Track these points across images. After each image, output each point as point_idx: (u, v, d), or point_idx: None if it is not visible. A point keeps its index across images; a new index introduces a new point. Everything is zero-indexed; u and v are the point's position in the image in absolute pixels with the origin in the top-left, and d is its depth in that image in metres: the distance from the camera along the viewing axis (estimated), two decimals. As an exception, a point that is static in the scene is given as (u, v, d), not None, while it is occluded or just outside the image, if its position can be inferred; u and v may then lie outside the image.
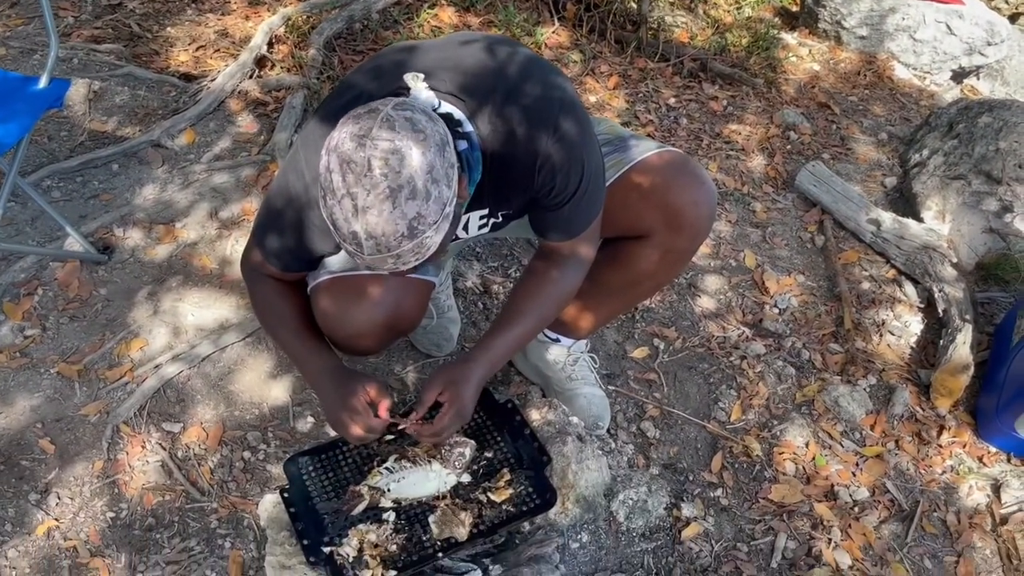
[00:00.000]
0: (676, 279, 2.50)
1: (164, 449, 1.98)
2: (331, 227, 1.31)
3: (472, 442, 1.81)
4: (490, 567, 1.77)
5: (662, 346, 2.39)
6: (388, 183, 1.23)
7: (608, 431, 2.13)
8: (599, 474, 1.90)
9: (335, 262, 1.70)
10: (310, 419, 2.07)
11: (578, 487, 1.83)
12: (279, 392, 2.12)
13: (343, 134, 1.26)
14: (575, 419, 1.95)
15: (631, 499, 1.95)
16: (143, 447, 1.98)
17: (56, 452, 1.95)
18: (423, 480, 1.76)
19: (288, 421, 2.07)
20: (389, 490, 1.75)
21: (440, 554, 1.69)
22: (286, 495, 1.76)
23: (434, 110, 1.37)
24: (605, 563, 1.89)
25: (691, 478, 2.11)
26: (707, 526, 2.01)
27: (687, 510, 2.02)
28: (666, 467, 2.12)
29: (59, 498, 1.88)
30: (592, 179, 1.54)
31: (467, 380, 1.62)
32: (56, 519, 1.85)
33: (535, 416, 1.95)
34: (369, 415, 1.62)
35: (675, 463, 2.13)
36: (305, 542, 1.68)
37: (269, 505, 1.81)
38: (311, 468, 1.81)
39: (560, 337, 2.10)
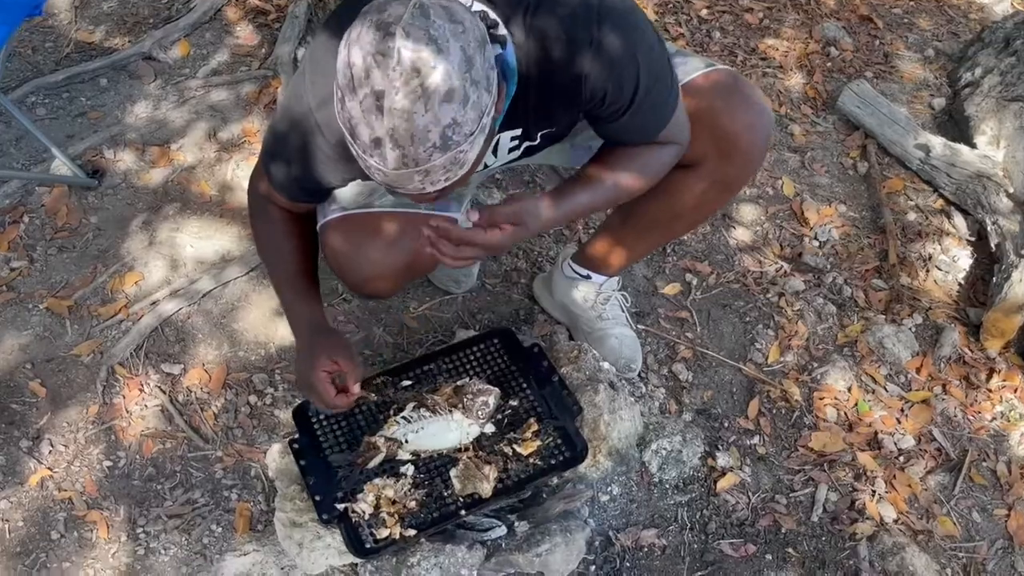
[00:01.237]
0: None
1: (164, 393, 1.85)
2: (349, 135, 1.12)
3: (496, 390, 1.67)
4: (515, 523, 1.66)
5: (695, 282, 2.23)
6: (421, 80, 1.04)
7: (639, 374, 1.99)
8: (632, 424, 1.77)
9: (346, 196, 1.53)
10: (320, 360, 1.93)
11: (610, 439, 1.70)
12: (287, 331, 1.96)
13: (367, 23, 1.07)
14: (606, 364, 1.81)
15: (664, 449, 1.82)
16: (141, 390, 1.85)
17: (47, 396, 1.82)
18: (443, 431, 1.63)
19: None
20: (407, 441, 1.62)
21: (463, 512, 1.57)
22: (295, 446, 1.63)
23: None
24: (636, 517, 1.78)
25: (726, 425, 1.98)
26: (743, 476, 1.89)
27: (722, 460, 1.90)
28: (699, 413, 1.99)
29: (52, 445, 1.76)
30: (654, 77, 1.34)
31: (536, 212, 1.36)
32: (49, 468, 1.73)
33: (563, 361, 1.80)
34: (329, 392, 1.48)
35: (709, 409, 2.00)
36: (317, 498, 1.56)
37: (277, 455, 1.69)
38: (322, 416, 1.68)
39: (591, 274, 1.94)
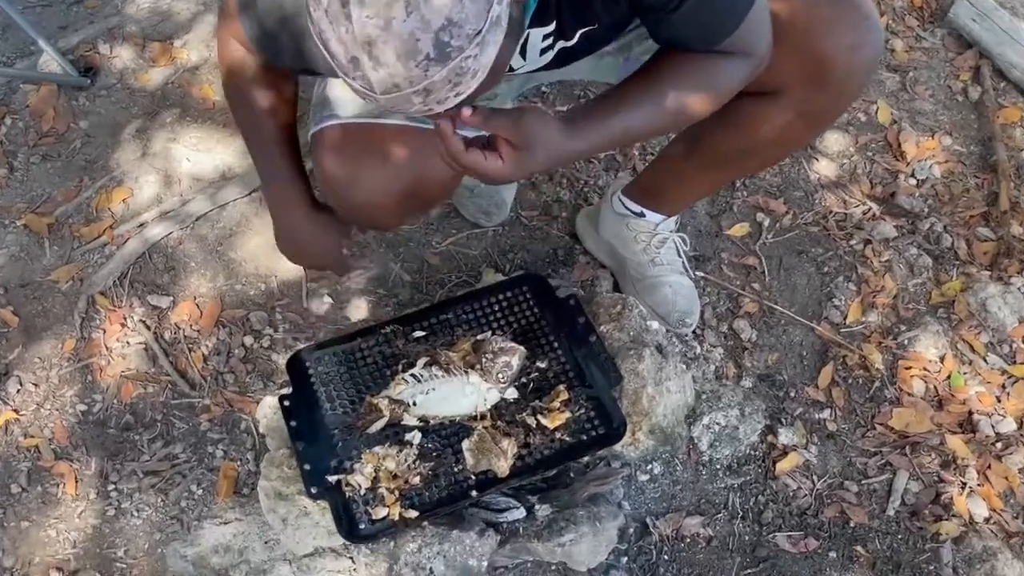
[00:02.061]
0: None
1: (148, 329, 1.64)
2: (325, 53, 0.85)
3: (521, 348, 1.42)
4: (536, 506, 1.43)
5: (766, 223, 1.92)
6: None
7: (693, 331, 1.72)
8: (681, 396, 1.51)
9: (346, 101, 1.26)
10: (328, 299, 1.70)
11: (654, 415, 1.44)
12: (292, 264, 1.73)
13: None
14: (654, 324, 1.54)
15: (717, 424, 1.56)
16: (123, 325, 1.64)
17: (20, 325, 1.63)
18: (457, 394, 1.39)
19: (301, 300, 1.70)
20: (415, 404, 1.39)
21: (474, 492, 1.34)
22: (286, 403, 1.41)
23: None
24: (680, 501, 1.54)
25: (792, 395, 1.71)
26: (808, 457, 1.63)
27: (785, 436, 1.63)
28: (762, 379, 1.72)
29: (21, 384, 1.58)
30: None
31: (548, 136, 1.04)
32: (16, 410, 1.55)
33: (603, 318, 1.54)
34: (341, 255, 1.38)
35: (773, 375, 1.73)
36: (307, 467, 1.35)
37: (270, 408, 1.48)
38: (321, 368, 1.46)
39: (645, 211, 1.66)
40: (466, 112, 0.93)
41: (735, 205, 1.95)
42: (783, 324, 1.80)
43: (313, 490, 1.33)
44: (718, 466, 1.58)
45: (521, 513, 1.42)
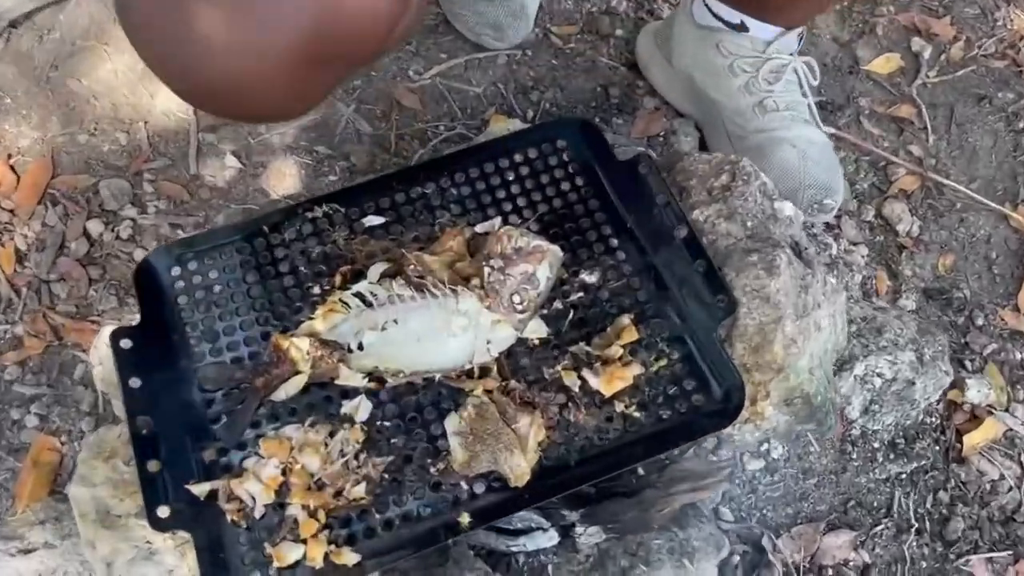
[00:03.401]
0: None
1: (-72, 206, 0.99)
2: None
3: (553, 249, 0.79)
4: (577, 527, 0.81)
5: (926, 53, 1.25)
6: None
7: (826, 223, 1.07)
8: (832, 335, 0.87)
9: None
10: (232, 161, 1.04)
11: (794, 371, 0.80)
12: (171, 98, 1.08)
13: None
14: (788, 208, 0.88)
15: (879, 375, 0.93)
16: None
17: None
18: (437, 331, 0.78)
19: (188, 161, 1.04)
20: (360, 348, 0.77)
21: (465, 517, 0.72)
22: (124, 344, 0.78)
23: None
24: (815, 505, 0.93)
25: (978, 321, 1.08)
26: (1013, 425, 1.00)
27: (974, 390, 1.01)
28: (930, 296, 1.09)
29: None
30: None
31: None
32: None
33: (697, 197, 0.89)
34: None
35: (948, 289, 1.10)
36: (151, 466, 0.72)
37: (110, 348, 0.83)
38: (195, 282, 0.82)
39: (747, 19, 0.99)
40: None
41: (879, 26, 1.26)
42: (958, 209, 1.15)
43: (161, 511, 0.71)
44: (876, 444, 0.96)
45: (550, 539, 0.81)
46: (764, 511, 0.91)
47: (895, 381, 0.93)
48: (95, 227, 1.00)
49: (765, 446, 0.91)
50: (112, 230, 1.00)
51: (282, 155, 1.05)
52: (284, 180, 1.04)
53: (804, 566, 0.88)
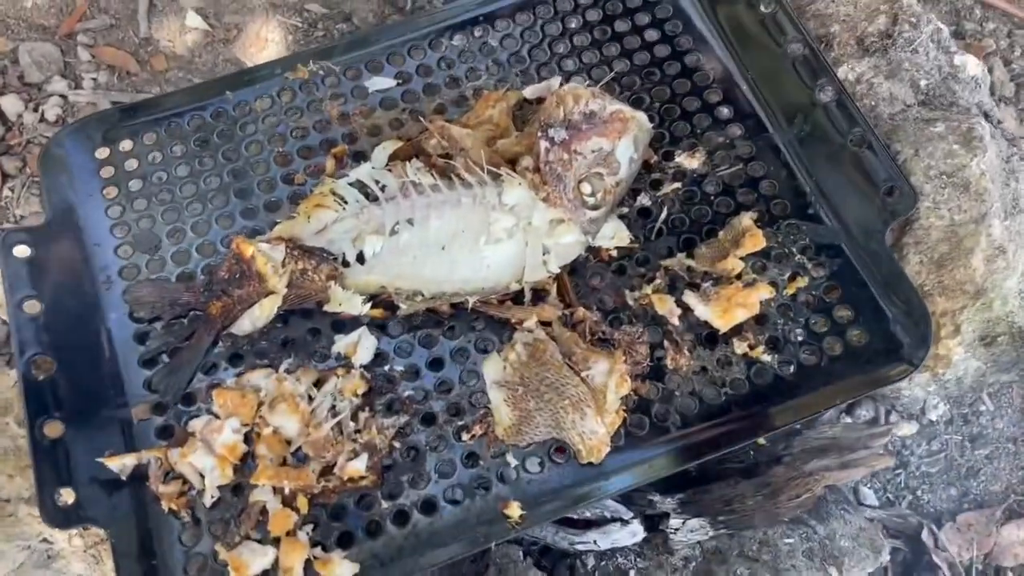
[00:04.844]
0: None
1: None
2: None
3: (639, 117, 0.55)
4: (671, 518, 0.56)
5: None
6: None
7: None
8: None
9: None
10: (195, 22, 0.79)
11: (999, 293, 0.55)
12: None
13: None
14: (970, 62, 0.62)
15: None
16: None
17: None
18: (469, 234, 0.53)
19: (136, 20, 0.79)
20: (362, 260, 0.53)
21: (517, 510, 0.49)
22: (21, 254, 0.54)
23: None
24: (984, 482, 0.68)
25: None
26: None
27: None
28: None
29: None
30: None
31: None
32: None
33: (844, 47, 0.62)
34: None
35: None
36: (47, 432, 0.50)
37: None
38: (131, 167, 0.59)
39: None
40: None
41: None
42: None
43: (62, 495, 0.48)
44: (1066, 401, 0.71)
45: (632, 534, 0.57)
46: (918, 492, 0.66)
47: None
48: (12, 105, 0.76)
49: (929, 402, 0.66)
50: (35, 109, 0.76)
51: (262, 15, 0.80)
52: (264, 47, 0.79)
53: (977, 568, 0.64)
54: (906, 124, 0.56)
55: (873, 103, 0.58)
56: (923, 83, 0.58)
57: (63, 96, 0.76)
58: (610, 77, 0.60)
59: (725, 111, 0.59)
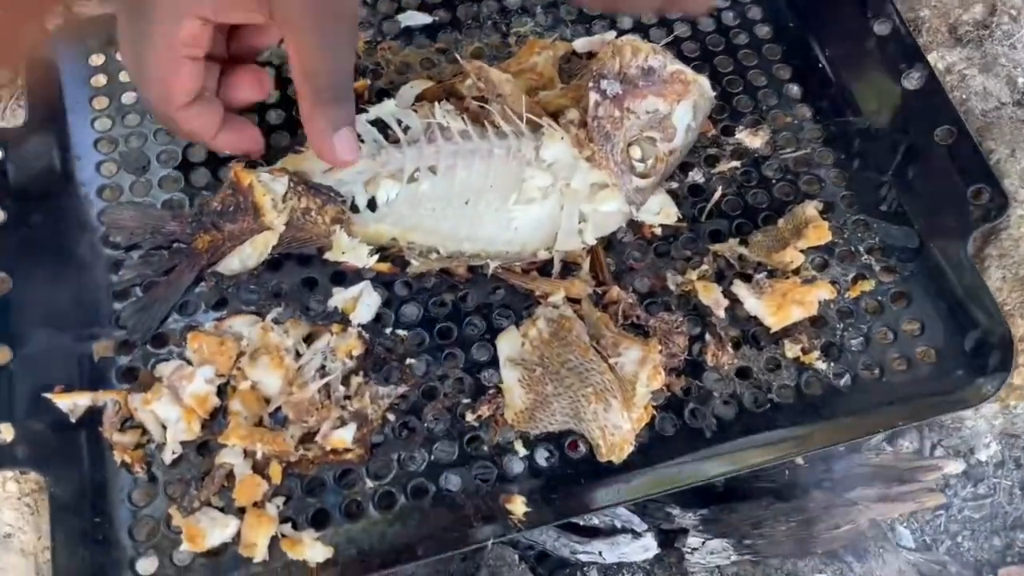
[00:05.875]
0: None
1: None
2: None
3: (702, 81, 0.50)
4: (690, 536, 0.50)
5: None
6: None
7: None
8: None
9: None
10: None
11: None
12: None
13: None
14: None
15: None
16: None
17: None
18: (499, 189, 0.47)
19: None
20: (373, 207, 0.47)
21: (521, 506, 0.42)
22: (-8, 159, 0.49)
23: None
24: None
25: None
26: None
27: None
28: None
29: None
30: None
31: None
32: None
33: (934, 34, 0.56)
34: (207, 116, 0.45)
35: None
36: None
37: None
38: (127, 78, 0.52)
39: None
40: None
41: None
42: None
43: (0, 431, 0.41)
44: None
45: (644, 549, 0.51)
46: (958, 538, 0.60)
47: None
48: None
49: (972, 441, 0.60)
50: None
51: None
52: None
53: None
54: (1000, 122, 0.50)
55: (964, 96, 0.52)
56: (1021, 81, 0.52)
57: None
58: (670, 39, 0.54)
59: (795, 89, 0.53)
